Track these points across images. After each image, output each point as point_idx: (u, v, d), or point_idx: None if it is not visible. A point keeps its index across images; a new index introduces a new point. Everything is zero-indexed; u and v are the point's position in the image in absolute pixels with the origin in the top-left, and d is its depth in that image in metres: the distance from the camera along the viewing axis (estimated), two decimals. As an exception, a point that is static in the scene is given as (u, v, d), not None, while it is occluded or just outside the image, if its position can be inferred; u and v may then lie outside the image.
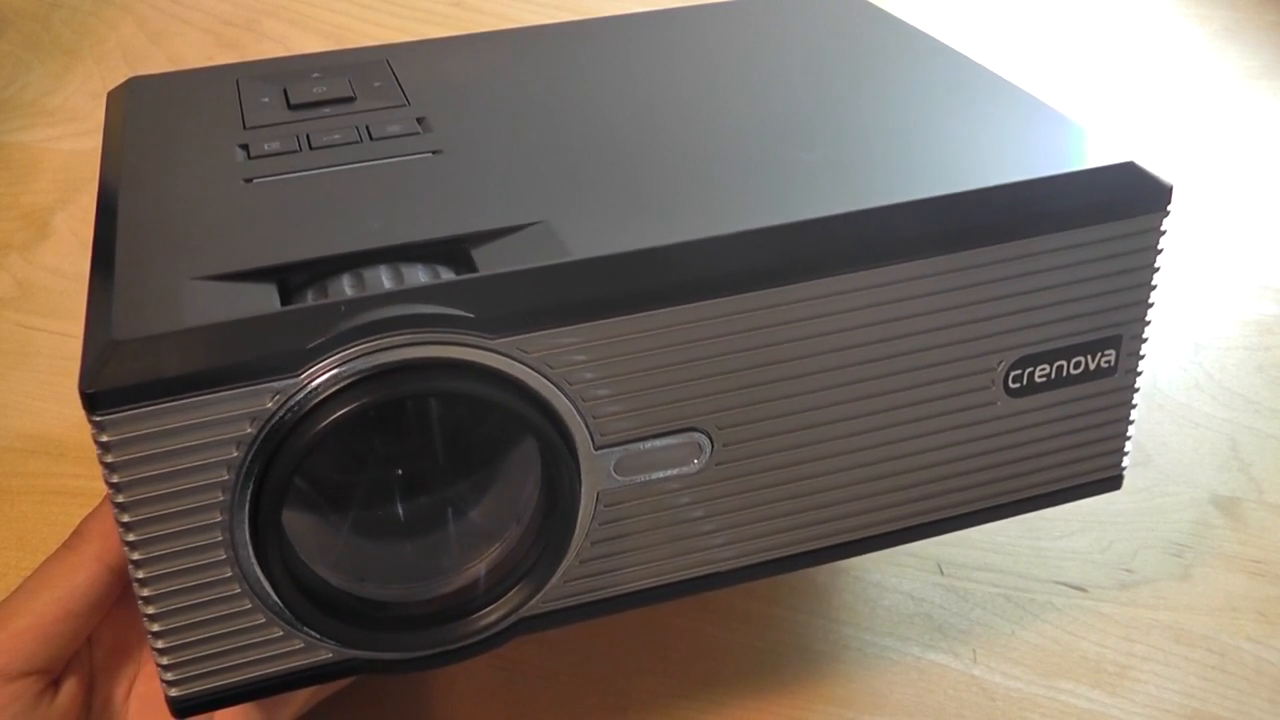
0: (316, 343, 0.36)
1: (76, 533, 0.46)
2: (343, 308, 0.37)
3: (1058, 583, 0.59)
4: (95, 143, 0.85)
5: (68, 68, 1.04)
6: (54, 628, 0.44)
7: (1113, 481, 0.49)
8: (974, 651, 0.56)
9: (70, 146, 0.96)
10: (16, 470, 0.67)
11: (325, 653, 0.41)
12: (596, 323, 0.39)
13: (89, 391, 0.35)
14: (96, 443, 0.36)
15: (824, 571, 0.59)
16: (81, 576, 0.45)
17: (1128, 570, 0.59)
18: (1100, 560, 0.60)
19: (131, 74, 0.60)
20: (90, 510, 0.47)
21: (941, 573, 0.59)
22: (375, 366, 0.37)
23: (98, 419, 0.35)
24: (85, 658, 0.47)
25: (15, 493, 0.66)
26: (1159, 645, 0.56)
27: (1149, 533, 0.61)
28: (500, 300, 0.38)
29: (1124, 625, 0.57)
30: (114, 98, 0.57)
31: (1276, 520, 0.62)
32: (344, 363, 0.36)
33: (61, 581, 0.45)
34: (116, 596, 0.46)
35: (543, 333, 0.38)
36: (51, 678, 0.45)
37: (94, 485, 0.64)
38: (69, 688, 0.45)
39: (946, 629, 0.57)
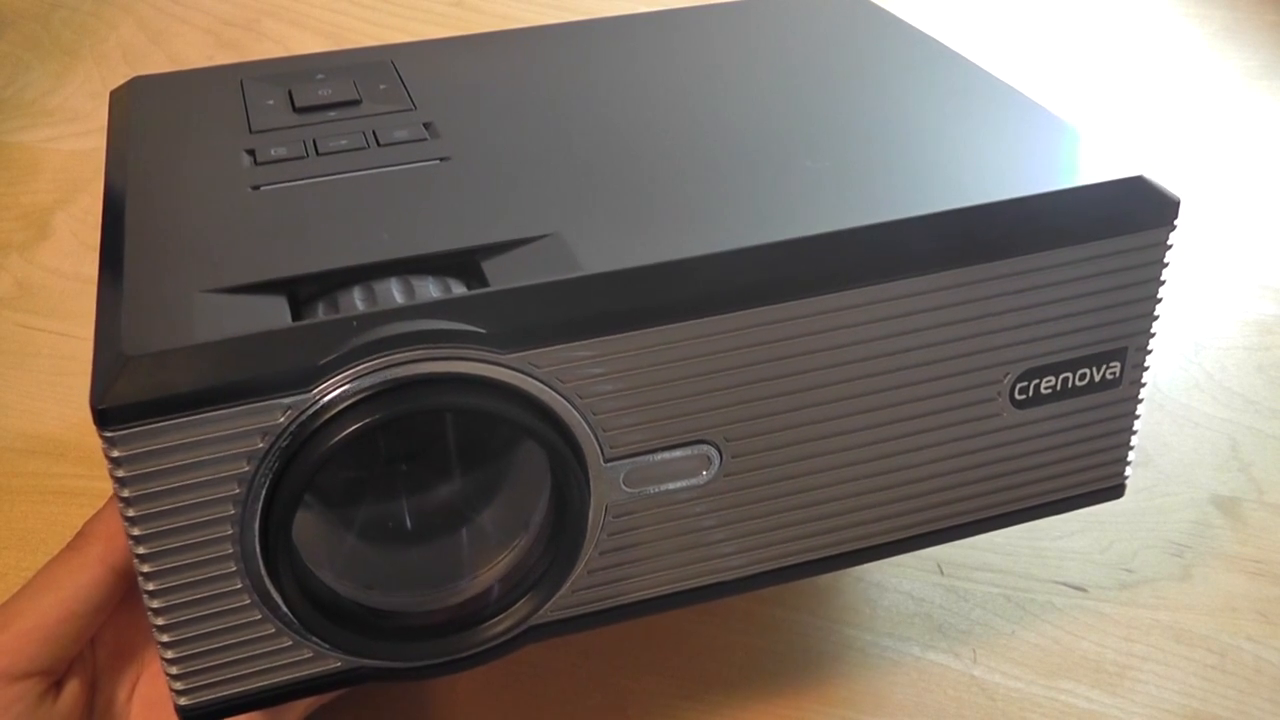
0: (328, 358, 0.36)
1: (80, 534, 0.46)
2: (354, 323, 0.37)
3: (1058, 583, 0.59)
4: (95, 143, 0.85)
5: (68, 68, 1.04)
6: (57, 629, 0.44)
7: (1115, 490, 0.49)
8: (974, 651, 0.56)
9: (70, 146, 0.95)
10: (16, 470, 0.67)
11: (334, 662, 0.41)
12: (607, 338, 0.39)
13: (100, 407, 0.35)
14: (108, 458, 0.36)
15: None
16: (85, 578, 0.45)
17: (1128, 570, 0.60)
18: (1100, 560, 0.60)
19: (131, 74, 0.59)
20: (93, 512, 0.47)
21: (941, 573, 0.59)
22: (386, 382, 0.37)
23: (109, 435, 0.35)
24: (88, 659, 0.47)
25: (15, 493, 0.66)
26: (1159, 645, 0.56)
27: (1149, 533, 0.62)
28: (511, 315, 0.38)
29: (1124, 625, 0.57)
30: (117, 98, 0.57)
31: (1276, 520, 0.63)
32: (355, 378, 0.36)
33: (65, 583, 0.45)
34: (120, 598, 0.46)
35: (554, 347, 0.38)
36: (54, 679, 0.45)
37: (94, 485, 0.65)
38: (71, 689, 0.45)
39: (946, 629, 0.57)
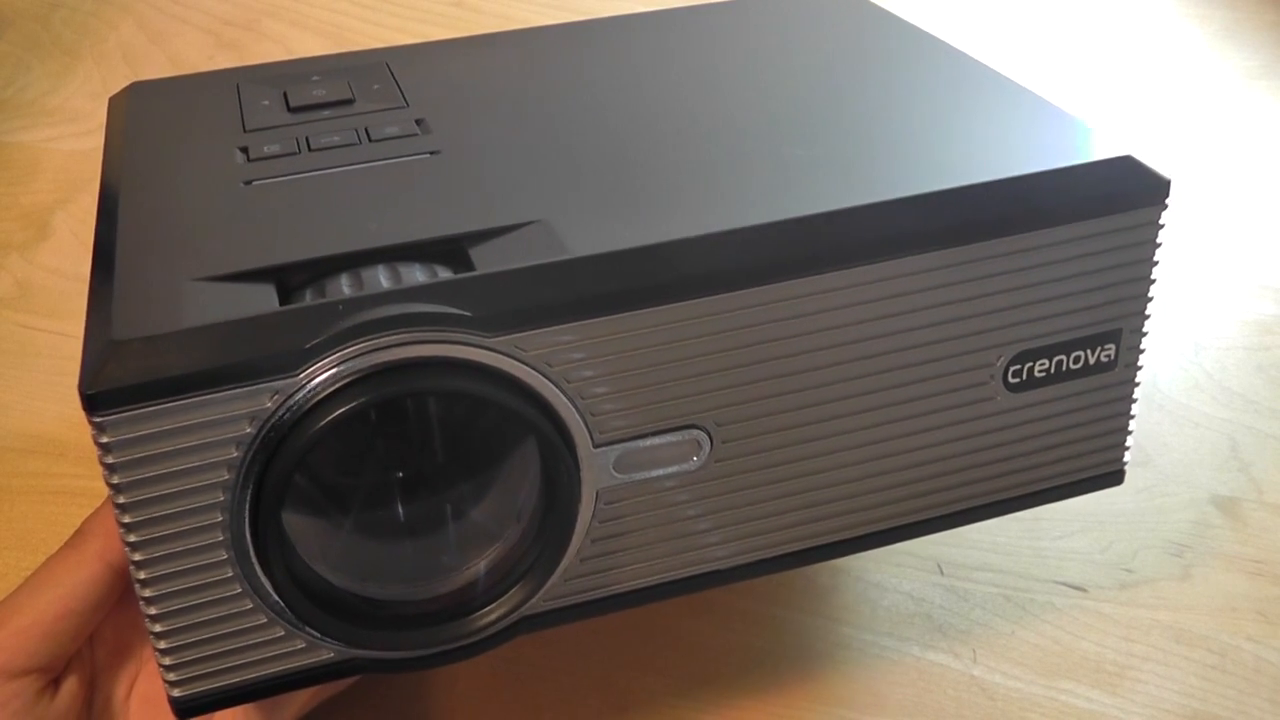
0: (315, 342, 0.36)
1: (79, 532, 0.46)
2: (341, 307, 0.37)
3: (1058, 583, 0.59)
4: (95, 143, 0.85)
5: (68, 68, 1.05)
6: (55, 626, 0.44)
7: (1114, 476, 0.49)
8: (974, 651, 0.56)
9: (70, 146, 0.96)
10: (16, 470, 0.67)
11: (327, 652, 0.41)
12: (595, 320, 0.39)
13: (89, 392, 0.35)
14: (97, 443, 0.36)
15: (824, 571, 0.59)
16: (84, 575, 0.45)
17: (1128, 570, 0.59)
18: (1100, 560, 0.60)
19: (131, 74, 0.60)
20: (92, 510, 0.47)
21: (941, 573, 0.59)
22: (373, 365, 0.37)
23: (98, 420, 0.36)
24: (87, 657, 0.47)
25: (15, 493, 0.66)
26: (1159, 645, 0.56)
27: (1149, 533, 0.61)
28: (498, 298, 0.38)
29: (1124, 625, 0.57)
30: (115, 103, 0.57)
31: (1276, 520, 0.62)
32: (342, 362, 0.37)
33: (64, 580, 0.45)
34: (118, 596, 0.46)
35: (541, 330, 0.38)
36: (52, 676, 0.45)
37: (94, 485, 0.64)
38: (70, 686, 0.45)
39: (946, 629, 0.57)
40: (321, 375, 0.36)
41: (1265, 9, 1.10)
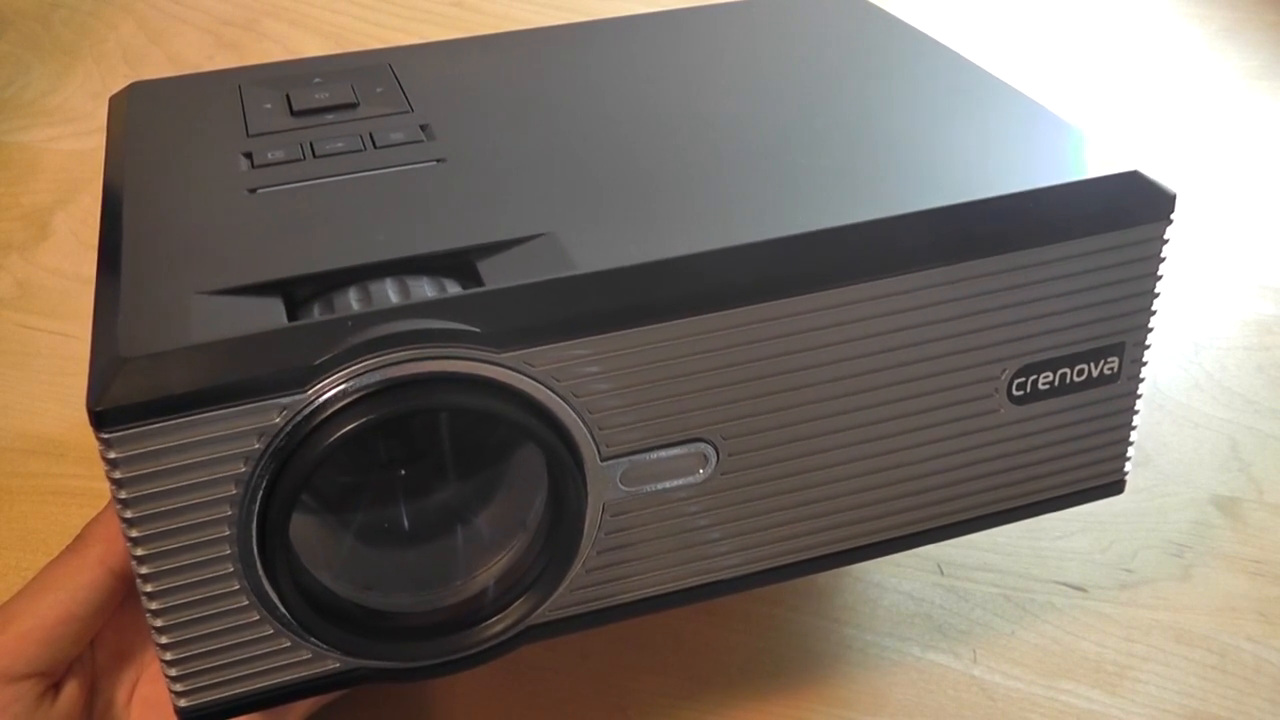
0: (323, 359, 0.36)
1: (80, 536, 0.46)
2: (349, 323, 0.37)
3: (1058, 583, 0.59)
4: (95, 143, 0.85)
5: (68, 68, 1.04)
6: (56, 630, 0.44)
7: (1115, 486, 0.49)
8: (974, 651, 0.56)
9: (70, 146, 0.95)
10: (16, 470, 0.67)
11: (333, 662, 0.42)
12: (603, 336, 0.39)
13: (97, 409, 0.35)
14: (104, 459, 0.36)
15: (825, 573, 0.59)
16: (85, 579, 0.45)
17: (1128, 570, 0.60)
18: (1100, 560, 0.60)
19: (131, 74, 0.60)
20: (94, 513, 0.47)
21: (941, 573, 0.59)
22: (382, 382, 0.37)
23: (106, 436, 0.36)
24: (87, 661, 0.47)
25: (15, 493, 0.66)
26: (1159, 645, 0.56)
27: (1149, 533, 0.62)
28: (506, 314, 0.38)
29: (1124, 625, 0.57)
30: (116, 103, 0.57)
31: (1276, 520, 0.62)
32: (351, 378, 0.37)
33: (65, 584, 0.45)
34: (120, 600, 0.46)
35: (549, 346, 0.38)
36: (53, 680, 0.45)
37: (94, 485, 0.65)
38: (70, 690, 0.45)
39: (946, 629, 0.57)
40: (330, 391, 0.36)
41: (1265, 9, 1.10)
